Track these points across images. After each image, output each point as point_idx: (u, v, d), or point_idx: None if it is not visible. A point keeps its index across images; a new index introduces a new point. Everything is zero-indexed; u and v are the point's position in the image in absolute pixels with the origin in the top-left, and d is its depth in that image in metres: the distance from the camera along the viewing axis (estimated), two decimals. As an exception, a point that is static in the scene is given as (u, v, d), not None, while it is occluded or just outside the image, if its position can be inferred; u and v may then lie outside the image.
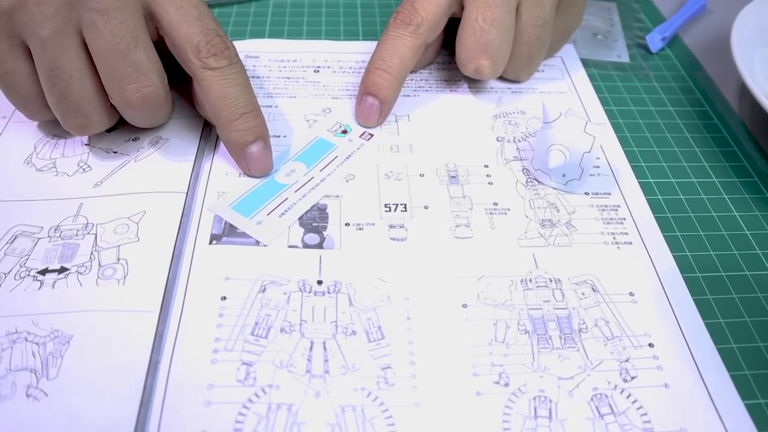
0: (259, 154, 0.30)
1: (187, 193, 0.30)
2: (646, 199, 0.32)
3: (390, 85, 0.33)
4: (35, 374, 0.23)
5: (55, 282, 0.26)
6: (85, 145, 0.33)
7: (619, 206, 0.31)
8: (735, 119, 0.37)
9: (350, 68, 0.38)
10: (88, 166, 0.32)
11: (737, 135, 0.36)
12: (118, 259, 0.27)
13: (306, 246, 0.28)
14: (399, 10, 0.34)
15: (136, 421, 0.22)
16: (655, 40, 0.42)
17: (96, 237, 0.28)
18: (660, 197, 0.32)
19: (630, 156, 0.34)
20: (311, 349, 0.25)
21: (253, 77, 0.37)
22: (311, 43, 0.40)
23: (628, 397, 0.24)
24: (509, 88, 0.37)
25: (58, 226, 0.29)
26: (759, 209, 0.32)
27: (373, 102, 0.33)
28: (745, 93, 0.39)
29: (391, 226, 0.29)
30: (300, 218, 0.29)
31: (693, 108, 0.38)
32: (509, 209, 0.31)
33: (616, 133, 0.35)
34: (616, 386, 0.24)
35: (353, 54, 0.39)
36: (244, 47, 0.39)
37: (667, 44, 0.43)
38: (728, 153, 0.35)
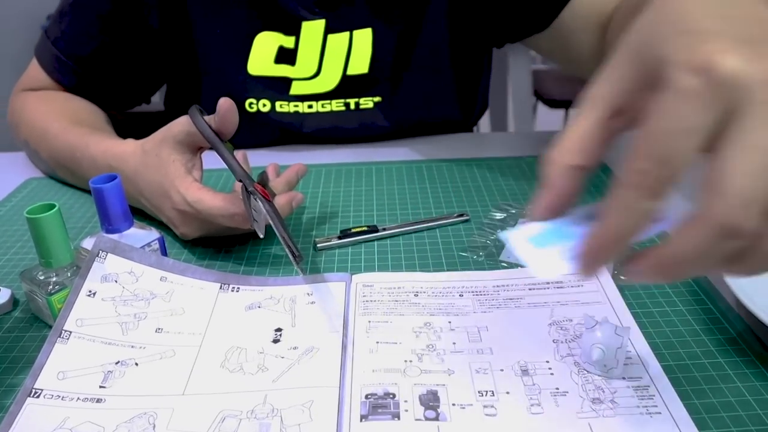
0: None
1: (339, 386, 0.43)
2: (668, 377, 0.43)
3: None
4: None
5: (261, 451, 0.39)
6: (260, 353, 0.47)
7: (648, 386, 0.43)
8: (733, 313, 0.50)
9: (440, 293, 0.53)
10: (266, 368, 0.46)
11: (736, 325, 0.48)
12: (300, 434, 0.40)
13: (426, 419, 0.41)
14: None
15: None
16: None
17: (281, 419, 0.41)
18: (680, 375, 0.44)
19: (653, 346, 0.46)
20: None
21: (371, 300, 0.52)
22: (410, 275, 0.55)
23: None
24: (558, 302, 0.51)
25: (252, 410, 0.42)
26: (758, 380, 0.43)
27: None
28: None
29: (484, 406, 0.42)
30: (420, 398, 0.42)
31: (699, 306, 0.51)
32: (567, 392, 0.42)
33: (641, 329, 0.48)
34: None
35: (440, 282, 0.54)
36: (361, 279, 0.54)
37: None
38: (730, 339, 0.47)
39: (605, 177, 0.74)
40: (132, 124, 0.85)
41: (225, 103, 0.55)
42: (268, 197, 0.54)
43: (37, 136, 0.76)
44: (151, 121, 0.70)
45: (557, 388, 0.43)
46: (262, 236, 0.52)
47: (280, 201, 0.58)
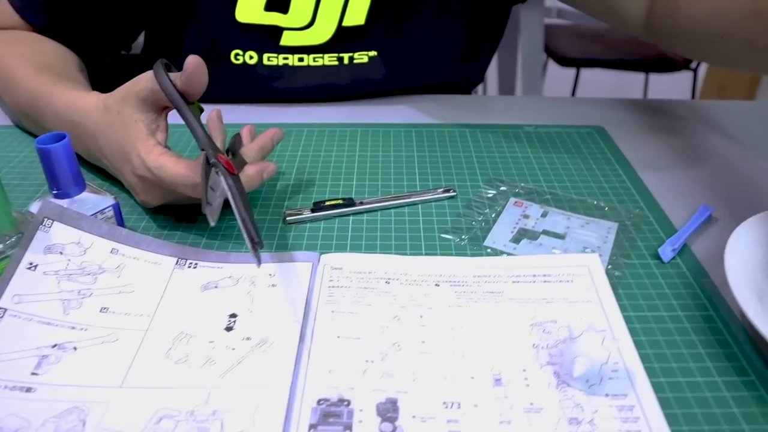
0: None
1: (290, 387, 0.39)
2: (657, 396, 0.39)
3: None
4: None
5: (194, 463, 0.35)
6: (210, 342, 0.43)
7: (633, 406, 0.38)
8: (736, 324, 0.45)
9: (414, 281, 0.48)
10: (213, 361, 0.41)
11: (738, 338, 0.44)
12: (241, 445, 0.36)
13: (381, 434, 0.37)
14: None
15: None
16: (666, 251, 0.51)
17: (222, 423, 0.37)
18: (670, 395, 0.39)
19: (644, 358, 0.42)
20: None
21: (338, 287, 0.47)
22: (383, 258, 0.50)
23: None
24: (544, 299, 0.46)
25: (192, 410, 0.38)
26: (756, 406, 0.39)
27: None
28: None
29: (448, 420, 0.37)
30: (377, 407, 0.38)
31: (700, 313, 0.46)
32: (543, 408, 0.38)
33: (632, 336, 0.43)
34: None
35: (416, 268, 0.49)
36: (329, 260, 0.50)
37: (678, 254, 0.51)
38: (730, 354, 0.42)
39: (600, 140, 0.69)
40: (117, 69, 0.79)
41: (193, 61, 0.49)
42: (233, 170, 0.49)
43: (2, 82, 0.70)
44: (136, 66, 0.64)
45: (531, 404, 0.38)
46: (212, 224, 0.46)
47: (248, 171, 0.53)
